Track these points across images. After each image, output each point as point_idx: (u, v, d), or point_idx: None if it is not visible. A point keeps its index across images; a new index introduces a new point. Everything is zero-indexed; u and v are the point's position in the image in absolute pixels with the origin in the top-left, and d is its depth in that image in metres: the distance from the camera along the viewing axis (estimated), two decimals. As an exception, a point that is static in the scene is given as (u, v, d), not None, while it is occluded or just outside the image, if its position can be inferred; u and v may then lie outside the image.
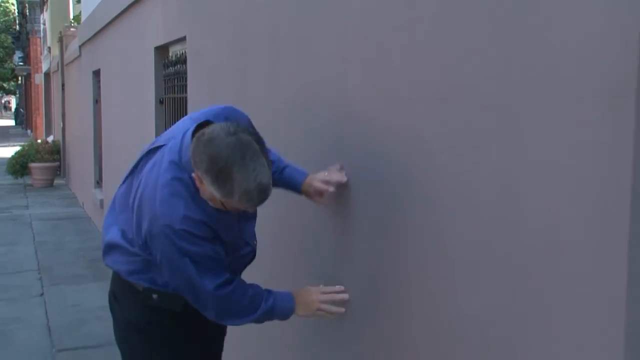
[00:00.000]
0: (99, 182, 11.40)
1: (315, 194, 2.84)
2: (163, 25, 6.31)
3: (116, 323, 2.93)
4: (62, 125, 17.86)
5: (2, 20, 34.42)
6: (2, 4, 34.16)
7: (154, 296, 2.67)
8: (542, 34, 1.85)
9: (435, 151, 2.35)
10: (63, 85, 17.03)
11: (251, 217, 2.84)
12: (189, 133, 2.48)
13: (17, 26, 34.57)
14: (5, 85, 43.95)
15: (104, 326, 6.23)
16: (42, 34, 27.00)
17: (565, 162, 1.78)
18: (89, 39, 11.26)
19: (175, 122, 5.90)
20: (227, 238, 2.59)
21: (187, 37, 5.50)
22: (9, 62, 35.00)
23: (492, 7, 2.03)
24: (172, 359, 2.82)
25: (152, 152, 2.63)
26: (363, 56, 2.73)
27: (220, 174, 2.25)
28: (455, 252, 2.24)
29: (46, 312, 6.79)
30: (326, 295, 2.75)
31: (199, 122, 2.54)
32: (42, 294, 7.44)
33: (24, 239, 10.43)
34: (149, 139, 6.78)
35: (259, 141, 2.33)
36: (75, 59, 13.92)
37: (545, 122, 1.85)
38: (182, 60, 5.80)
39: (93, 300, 7.09)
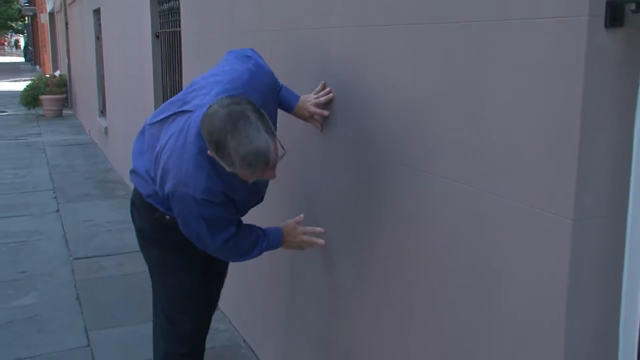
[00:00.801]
0: (102, 112, 11.30)
1: (309, 116, 2.84)
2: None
3: (135, 228, 2.96)
4: (67, 61, 17.62)
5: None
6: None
7: (167, 217, 2.69)
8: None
9: (403, 76, 2.28)
10: (67, 23, 16.68)
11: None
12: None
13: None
14: (13, 25, 43.09)
15: (112, 238, 6.35)
16: (45, -25, 26.33)
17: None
18: (89, -20, 10.99)
19: (169, 59, 5.78)
20: (243, 197, 2.61)
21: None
22: (15, 3, 34.25)
23: None
24: (184, 262, 2.85)
25: (182, 113, 2.53)
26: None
27: (218, 147, 2.22)
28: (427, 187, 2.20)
29: (62, 226, 6.80)
30: (307, 228, 2.84)
31: (226, 93, 2.40)
32: (57, 210, 7.42)
33: (39, 162, 10.37)
34: (147, 71, 6.73)
35: (254, 109, 2.24)
36: (78, -2, 13.62)
37: (507, 43, 1.78)
38: None
39: (102, 216, 7.16)
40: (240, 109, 2.22)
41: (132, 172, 2.82)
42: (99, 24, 10.69)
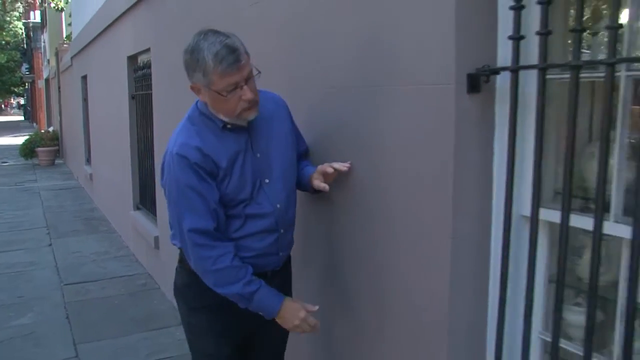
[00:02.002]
0: (88, 160, 11.08)
1: (317, 178, 2.25)
2: (133, 40, 6.09)
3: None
4: (59, 119, 17.31)
5: (12, 40, 33.49)
6: (12, 28, 33.26)
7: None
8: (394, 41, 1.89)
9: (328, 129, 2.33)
10: (59, 88, 16.43)
11: (277, 156, 2.16)
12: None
13: (24, 44, 33.79)
14: (15, 89, 42.68)
15: (96, 266, 6.20)
16: (42, 49, 26.02)
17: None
18: (78, 52, 10.87)
19: (142, 115, 5.76)
20: (229, 166, 2.03)
21: (151, 48, 5.35)
22: (17, 72, 34.12)
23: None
24: (206, 319, 2.20)
25: None
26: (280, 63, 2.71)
27: (192, 56, 1.90)
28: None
29: (54, 257, 6.62)
30: (307, 326, 2.10)
31: None
32: (50, 244, 7.23)
33: (35, 204, 10.08)
34: (124, 126, 6.68)
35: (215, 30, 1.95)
36: (68, 67, 13.43)
37: (405, 103, 1.89)
38: (147, 65, 5.63)
39: (88, 248, 6.98)
40: (206, 29, 1.95)
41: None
42: (86, 88, 10.53)
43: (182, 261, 2.19)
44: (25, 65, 34.21)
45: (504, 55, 1.66)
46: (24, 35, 34.22)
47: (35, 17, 28.61)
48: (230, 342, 2.22)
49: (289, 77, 2.57)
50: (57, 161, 16.68)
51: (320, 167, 2.24)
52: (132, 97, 6.48)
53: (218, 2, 3.43)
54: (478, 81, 1.66)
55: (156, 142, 5.36)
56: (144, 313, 4.84)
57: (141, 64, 6.06)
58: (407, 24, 1.81)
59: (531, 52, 1.60)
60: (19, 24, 33.66)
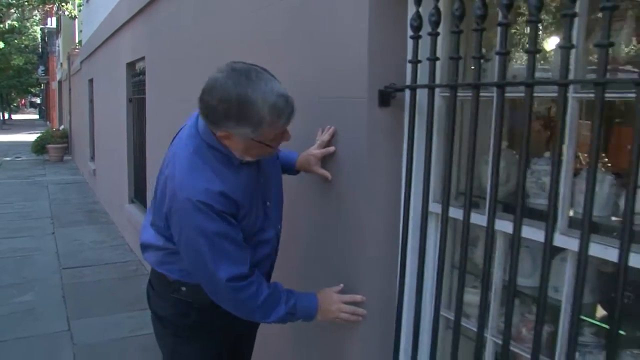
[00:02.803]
0: (92, 157, 11.26)
1: (315, 163, 2.10)
2: (131, 48, 6.30)
3: (151, 313, 2.06)
4: (69, 118, 17.50)
5: (30, 44, 33.75)
6: (31, 33, 33.54)
7: (183, 289, 1.89)
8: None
9: None
10: (70, 89, 16.65)
11: (273, 176, 1.98)
12: (197, 113, 1.77)
13: (40, 48, 34.08)
14: (32, 90, 42.98)
15: (93, 253, 6.37)
16: (57, 53, 26.15)
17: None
18: (86, 57, 11.05)
19: (138, 117, 5.89)
20: (247, 203, 1.78)
21: (145, 57, 5.56)
22: (34, 73, 34.40)
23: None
24: (198, 353, 1.97)
25: (176, 138, 1.91)
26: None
27: (240, 107, 1.56)
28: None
29: (56, 244, 6.79)
30: (347, 307, 1.93)
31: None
32: (53, 233, 7.41)
33: (42, 196, 10.26)
34: (122, 126, 6.87)
35: (251, 64, 1.64)
36: (78, 71, 13.59)
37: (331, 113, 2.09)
38: (143, 72, 5.83)
39: (88, 237, 7.15)
40: (244, 65, 1.62)
41: (142, 246, 1.99)
42: (92, 90, 10.71)
43: (176, 292, 1.90)
44: (41, 68, 34.40)
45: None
46: (40, 40, 34.44)
47: (52, 23, 28.80)
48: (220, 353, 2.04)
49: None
50: (65, 157, 16.82)
51: (313, 150, 2.10)
52: (130, 101, 6.68)
53: (205, 18, 3.64)
54: (388, 96, 1.88)
55: (148, 142, 5.57)
56: (132, 295, 5.02)
57: (138, 71, 6.27)
58: (334, 50, 2.03)
59: (444, 72, 1.82)
60: (37, 29, 33.87)
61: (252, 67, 1.61)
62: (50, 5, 19.32)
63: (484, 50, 1.56)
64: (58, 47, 25.44)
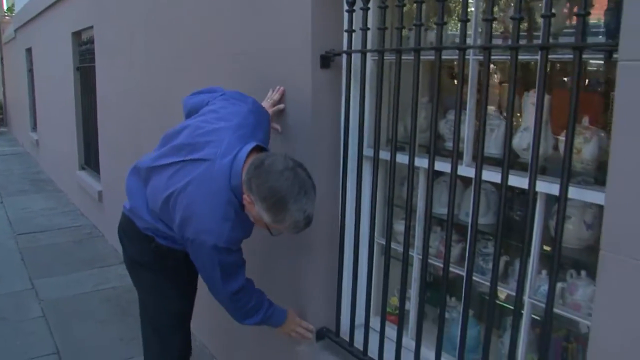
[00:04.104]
0: (34, 128, 11.22)
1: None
2: (77, 18, 6.41)
3: (125, 254, 2.43)
4: (2, 89, 17.08)
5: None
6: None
7: (164, 247, 2.25)
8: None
9: None
10: (2, 58, 16.28)
11: None
12: (240, 156, 1.97)
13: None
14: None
15: (46, 220, 6.57)
16: (-18, 21, 25.24)
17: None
18: (22, 25, 10.93)
19: (86, 85, 6.00)
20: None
21: (94, 26, 5.71)
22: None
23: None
24: (175, 286, 2.37)
25: (194, 162, 2.02)
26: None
27: (277, 205, 1.85)
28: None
29: (6, 213, 6.95)
30: (301, 330, 2.41)
31: (246, 144, 2.01)
32: (2, 202, 7.55)
33: (-17, 169, 10.27)
34: (69, 95, 6.98)
35: (310, 176, 1.93)
36: (11, 39, 13.35)
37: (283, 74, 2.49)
38: (90, 41, 5.97)
39: (37, 205, 7.33)
40: (304, 177, 1.89)
41: (131, 209, 2.28)
42: (31, 60, 10.61)
43: (156, 248, 2.26)
44: (-36, 36, 33.00)
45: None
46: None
47: (-25, -12, 27.62)
48: (189, 295, 2.48)
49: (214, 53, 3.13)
50: (1, 129, 16.53)
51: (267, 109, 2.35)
52: (77, 69, 6.79)
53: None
54: (328, 60, 2.28)
55: (99, 109, 5.78)
56: (90, 255, 5.33)
57: (85, 40, 6.40)
58: (282, 23, 2.41)
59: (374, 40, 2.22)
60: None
61: (308, 181, 1.90)
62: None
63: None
64: (-16, 14, 24.54)
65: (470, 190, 2.01)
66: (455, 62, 1.98)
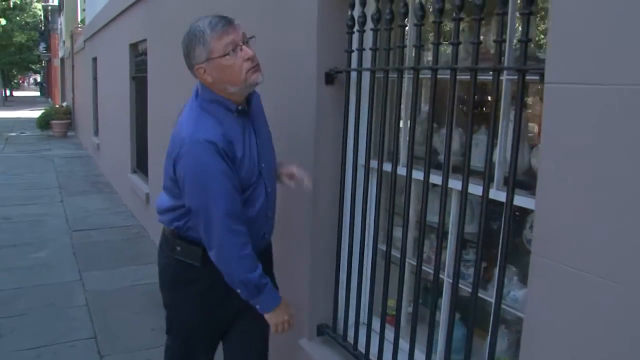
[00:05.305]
0: (96, 132, 11.77)
1: (286, 172, 2.33)
2: (133, 31, 6.82)
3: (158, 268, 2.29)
4: (72, 95, 17.95)
5: (32, 21, 34.19)
6: (32, 9, 33.94)
7: (178, 248, 2.12)
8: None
9: None
10: (73, 67, 17.12)
11: (268, 143, 2.21)
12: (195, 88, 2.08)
13: (42, 25, 34.53)
14: (33, 67, 43.43)
15: (100, 219, 7.01)
16: (59, 31, 26.59)
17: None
18: (90, 37, 11.53)
19: (140, 94, 6.40)
20: (245, 153, 2.02)
21: (147, 39, 6.12)
22: (35, 50, 34.85)
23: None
24: (197, 311, 2.20)
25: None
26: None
27: (190, 35, 1.96)
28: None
29: (64, 211, 7.42)
30: (287, 325, 2.15)
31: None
32: (62, 201, 8.04)
33: (49, 169, 10.90)
34: (125, 102, 7.45)
35: None
36: (81, 49, 14.02)
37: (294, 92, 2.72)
38: (145, 52, 6.35)
39: (93, 205, 7.80)
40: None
41: (157, 211, 2.21)
42: (95, 68, 11.18)
43: (172, 251, 2.15)
44: (42, 45, 34.83)
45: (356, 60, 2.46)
46: (42, 17, 34.82)
47: (54, 0, 29.20)
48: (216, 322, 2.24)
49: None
50: (69, 133, 17.41)
51: (287, 169, 2.32)
52: (133, 79, 7.22)
53: (198, 5, 4.22)
54: (332, 77, 2.49)
55: (149, 116, 6.17)
56: (134, 253, 5.69)
57: (140, 51, 6.81)
58: (290, 41, 2.64)
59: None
60: (38, 6, 34.23)
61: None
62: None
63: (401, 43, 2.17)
64: (60, 24, 25.85)
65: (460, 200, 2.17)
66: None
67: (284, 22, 2.71)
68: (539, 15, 2.02)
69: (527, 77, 1.63)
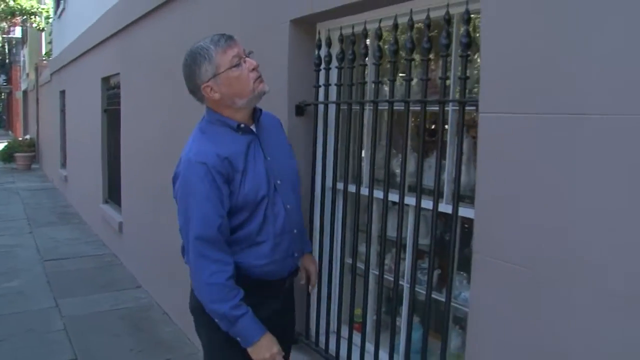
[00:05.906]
0: (63, 164, 11.79)
1: (308, 268, 2.45)
2: (106, 65, 7.06)
3: None
4: (37, 127, 17.94)
5: (-10, 53, 34.07)
6: (-9, 41, 33.84)
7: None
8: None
9: None
10: (37, 99, 17.17)
11: (285, 162, 2.20)
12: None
13: (2, 57, 34.32)
14: (-10, 98, 43.06)
15: (71, 248, 7.16)
16: (22, 63, 26.55)
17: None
18: (57, 70, 11.67)
19: (112, 126, 6.60)
20: (248, 168, 2.01)
21: (120, 73, 6.35)
22: (-6, 83, 34.66)
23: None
24: (219, 342, 2.06)
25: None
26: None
27: (193, 56, 1.98)
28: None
29: (35, 241, 7.53)
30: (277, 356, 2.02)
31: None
32: (31, 232, 8.14)
33: (15, 201, 10.93)
34: (97, 134, 7.63)
35: None
36: (47, 82, 14.11)
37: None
38: (117, 85, 6.56)
39: (64, 235, 7.92)
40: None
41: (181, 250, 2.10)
42: (64, 101, 11.23)
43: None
44: (2, 77, 34.57)
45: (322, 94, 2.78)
46: (2, 49, 34.63)
47: (16, 32, 29.13)
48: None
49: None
50: (33, 166, 17.30)
51: (306, 264, 2.43)
52: (105, 111, 7.41)
53: (173, 42, 4.51)
54: (302, 109, 2.81)
55: (123, 148, 6.38)
56: (108, 280, 5.86)
57: (112, 85, 7.03)
58: (267, 78, 2.94)
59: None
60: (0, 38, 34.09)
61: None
62: (17, 18, 19.81)
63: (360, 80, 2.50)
64: (23, 57, 25.83)
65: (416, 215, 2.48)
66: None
67: (258, 61, 3.01)
68: (477, 55, 2.39)
69: (467, 108, 1.97)
